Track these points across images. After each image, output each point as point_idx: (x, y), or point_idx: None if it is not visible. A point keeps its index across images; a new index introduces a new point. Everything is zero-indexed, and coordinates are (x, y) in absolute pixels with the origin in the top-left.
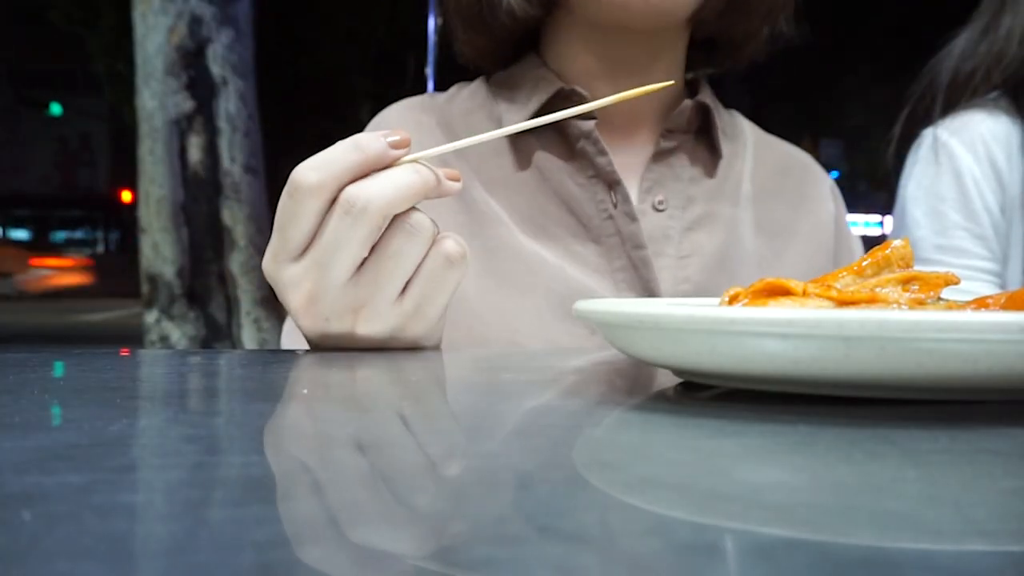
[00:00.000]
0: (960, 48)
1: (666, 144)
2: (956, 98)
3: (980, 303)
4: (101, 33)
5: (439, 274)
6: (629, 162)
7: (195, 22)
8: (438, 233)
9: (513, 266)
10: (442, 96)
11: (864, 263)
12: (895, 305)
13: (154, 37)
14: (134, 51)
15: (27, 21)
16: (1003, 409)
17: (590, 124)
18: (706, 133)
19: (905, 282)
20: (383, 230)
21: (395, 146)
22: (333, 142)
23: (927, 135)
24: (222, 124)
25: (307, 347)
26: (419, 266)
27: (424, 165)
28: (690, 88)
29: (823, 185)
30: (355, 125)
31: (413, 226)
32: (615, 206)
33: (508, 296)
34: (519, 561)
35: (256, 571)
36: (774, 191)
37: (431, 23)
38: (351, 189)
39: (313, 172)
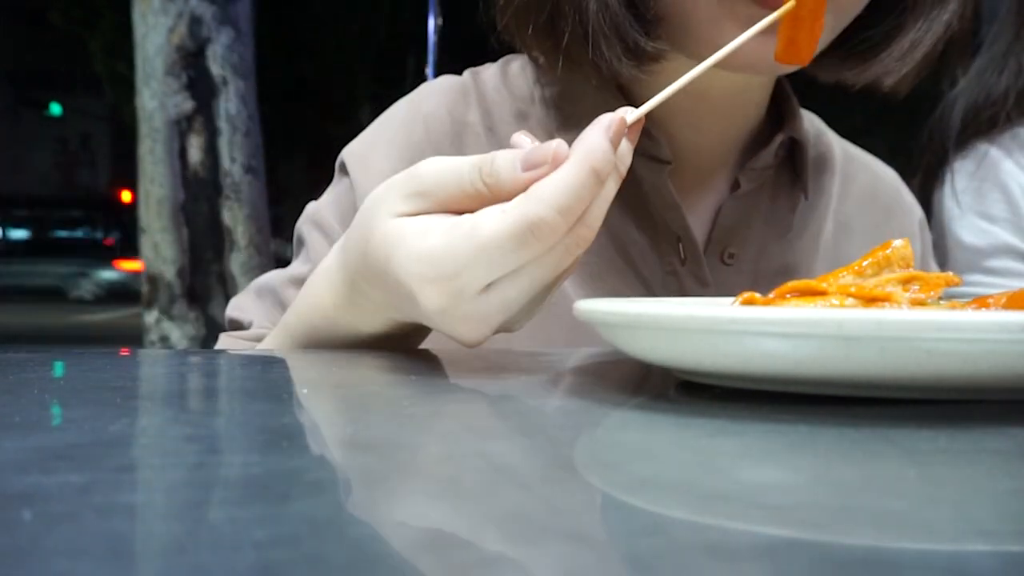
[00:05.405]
0: (969, 86)
1: (747, 185)
2: (981, 129)
3: (980, 303)
4: (101, 33)
5: (540, 291)
6: (699, 201)
7: (195, 22)
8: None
9: (562, 313)
10: (486, 80)
11: (864, 263)
12: (898, 305)
13: (154, 37)
14: (134, 51)
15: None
16: (1003, 409)
17: (663, 170)
18: (790, 162)
19: (905, 282)
20: None
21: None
22: (333, 142)
23: (978, 151)
24: (222, 124)
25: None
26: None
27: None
28: (773, 114)
29: (911, 219)
30: (355, 125)
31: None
32: (683, 263)
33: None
34: (519, 561)
35: (256, 571)
36: (857, 227)
37: (431, 23)
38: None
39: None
